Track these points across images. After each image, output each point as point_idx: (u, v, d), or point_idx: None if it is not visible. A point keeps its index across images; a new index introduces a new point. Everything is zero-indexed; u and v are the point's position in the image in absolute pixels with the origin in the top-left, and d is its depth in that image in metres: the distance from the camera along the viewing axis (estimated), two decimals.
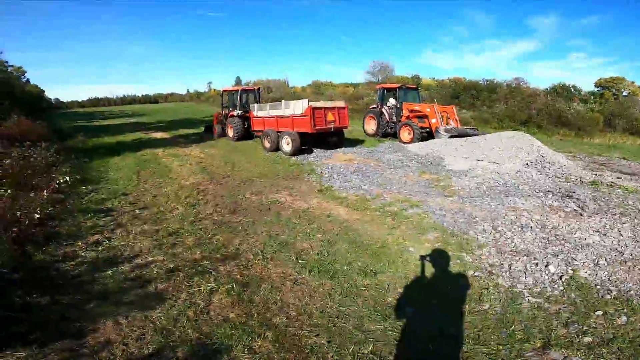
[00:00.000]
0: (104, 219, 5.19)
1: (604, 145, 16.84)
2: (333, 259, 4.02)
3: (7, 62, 18.73)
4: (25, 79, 33.37)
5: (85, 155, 10.32)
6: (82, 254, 4.05)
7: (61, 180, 6.35)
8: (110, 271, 3.64)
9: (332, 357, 2.53)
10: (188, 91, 71.45)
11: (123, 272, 3.65)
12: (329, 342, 2.68)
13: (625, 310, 2.97)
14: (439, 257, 4.00)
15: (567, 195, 6.24)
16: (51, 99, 57.04)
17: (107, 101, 74.65)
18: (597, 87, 31.18)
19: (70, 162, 8.75)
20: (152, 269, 3.71)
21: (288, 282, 3.52)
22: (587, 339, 2.64)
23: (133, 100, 75.04)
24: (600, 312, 2.94)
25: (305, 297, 3.27)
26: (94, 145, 12.81)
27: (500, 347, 2.60)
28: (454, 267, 3.82)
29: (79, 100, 75.66)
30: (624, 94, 29.44)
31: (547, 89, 28.48)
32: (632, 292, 3.23)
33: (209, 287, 3.37)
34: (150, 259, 3.95)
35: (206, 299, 3.22)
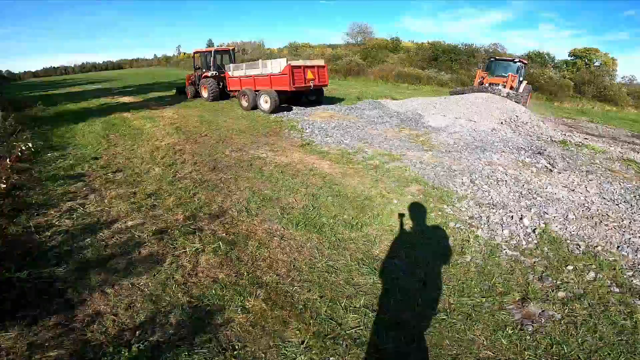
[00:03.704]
0: (75, 185, 4.87)
1: (573, 110, 17.52)
2: (318, 212, 4.03)
3: None
4: None
5: (47, 123, 9.57)
6: (57, 222, 3.78)
7: (24, 148, 5.95)
8: (89, 239, 3.44)
9: (326, 312, 2.55)
10: (155, 56, 66.57)
11: (103, 239, 3.46)
12: (321, 297, 2.70)
13: (593, 266, 3.13)
14: (421, 210, 4.08)
15: (538, 153, 6.48)
16: (2, 71, 51.87)
17: (65, 70, 68.13)
18: (571, 57, 31.71)
19: (32, 130, 8.15)
20: (133, 234, 3.54)
21: (275, 238, 3.50)
22: (561, 294, 2.77)
23: (94, 67, 68.94)
24: (571, 267, 3.09)
25: (293, 253, 3.28)
26: (56, 113, 11.82)
27: (484, 300, 2.70)
28: (436, 219, 3.91)
29: (33, 70, 68.57)
30: (596, 63, 30.15)
31: (522, 55, 28.80)
32: (598, 247, 3.40)
33: (194, 248, 3.28)
34: (130, 223, 3.77)
35: (193, 260, 3.13)
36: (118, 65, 69.46)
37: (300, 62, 10.52)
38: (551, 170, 5.55)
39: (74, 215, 3.96)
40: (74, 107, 13.60)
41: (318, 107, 11.17)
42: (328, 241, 3.47)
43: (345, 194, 4.51)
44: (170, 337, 2.32)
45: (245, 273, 2.96)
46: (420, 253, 3.28)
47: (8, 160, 5.31)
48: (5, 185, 4.50)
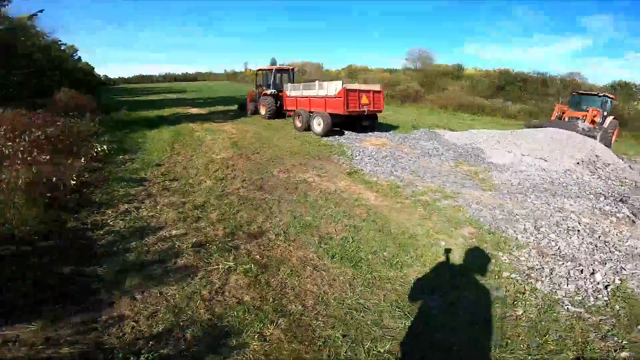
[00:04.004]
0: (135, 189, 5.29)
1: None
2: (357, 246, 3.83)
3: (60, 40, 19.80)
4: (77, 57, 35.33)
5: (126, 127, 10.77)
6: (111, 222, 4.09)
7: (99, 149, 6.65)
8: (134, 242, 3.64)
9: (345, 352, 2.38)
10: (225, 71, 72.52)
11: (147, 244, 3.63)
12: (343, 336, 2.52)
13: None
14: (472, 255, 3.71)
15: (620, 200, 5.72)
16: (100, 75, 59.88)
17: (150, 79, 77.52)
18: None
19: (111, 132, 9.13)
20: (174, 243, 3.67)
21: (308, 267, 3.38)
22: (624, 354, 2.46)
23: (174, 78, 77.35)
24: None
25: (324, 285, 3.12)
26: (135, 118, 13.26)
27: (529, 357, 2.40)
28: (489, 267, 3.52)
29: (125, 77, 79.10)
30: None
31: (605, 86, 25.92)
32: None
33: (227, 266, 3.29)
34: (174, 232, 3.92)
35: (223, 278, 3.13)
36: (193, 77, 76.80)
37: (355, 86, 10.48)
38: (634, 222, 4.85)
39: (128, 218, 4.24)
40: (151, 113, 15.17)
41: (370, 133, 10.93)
42: (363, 278, 3.25)
43: (388, 230, 4.25)
44: (181, 352, 2.29)
45: (271, 299, 2.88)
46: (463, 301, 2.95)
47: (83, 159, 5.95)
48: (75, 182, 4.94)
